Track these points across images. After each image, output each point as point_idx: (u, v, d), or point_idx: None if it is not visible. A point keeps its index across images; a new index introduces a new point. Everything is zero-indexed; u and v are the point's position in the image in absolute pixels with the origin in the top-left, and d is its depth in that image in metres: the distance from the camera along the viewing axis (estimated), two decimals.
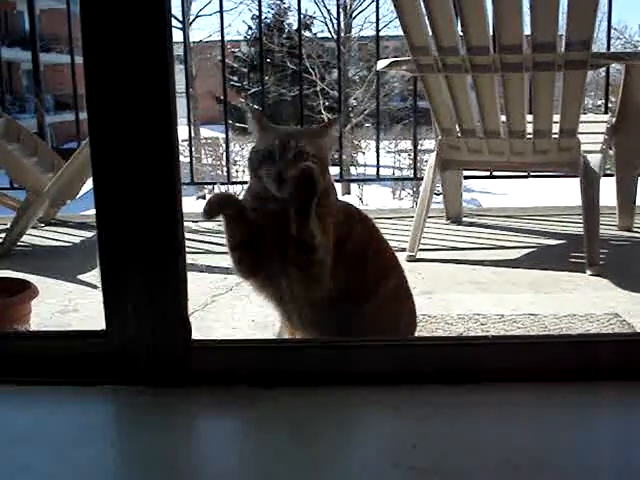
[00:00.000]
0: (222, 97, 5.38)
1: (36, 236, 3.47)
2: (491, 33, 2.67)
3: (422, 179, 3.12)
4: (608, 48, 4.18)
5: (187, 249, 1.32)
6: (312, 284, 1.58)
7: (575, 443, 1.14)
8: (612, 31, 4.14)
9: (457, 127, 2.95)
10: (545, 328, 2.09)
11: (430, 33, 2.74)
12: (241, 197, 1.65)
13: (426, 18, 2.70)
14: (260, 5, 13.58)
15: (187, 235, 1.35)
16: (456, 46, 2.71)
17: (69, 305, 2.42)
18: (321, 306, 1.61)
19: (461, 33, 2.69)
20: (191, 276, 1.33)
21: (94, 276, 2.63)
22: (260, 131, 1.61)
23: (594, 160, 2.77)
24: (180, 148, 1.31)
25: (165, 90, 1.21)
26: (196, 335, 1.33)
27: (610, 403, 1.26)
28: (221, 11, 4.38)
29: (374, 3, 6.75)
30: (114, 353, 1.30)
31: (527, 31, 2.63)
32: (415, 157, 4.91)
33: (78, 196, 3.63)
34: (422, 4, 2.68)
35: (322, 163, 1.55)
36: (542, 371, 1.30)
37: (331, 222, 1.57)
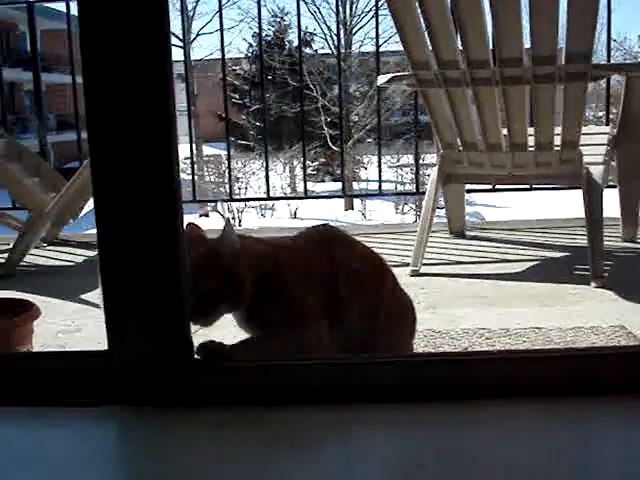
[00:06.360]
0: (224, 115, 5.40)
1: (39, 256, 3.46)
2: (491, 46, 2.68)
3: (424, 193, 3.12)
4: (608, 59, 4.19)
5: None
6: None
7: (580, 458, 1.13)
8: (612, 42, 4.14)
9: (458, 141, 2.94)
10: (550, 341, 2.07)
11: (430, 48, 2.74)
12: None
13: (426, 33, 2.71)
14: (260, 23, 13.64)
15: None
16: (456, 60, 2.72)
17: (72, 325, 2.41)
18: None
19: (461, 47, 2.69)
20: None
21: (97, 295, 2.61)
22: None
23: (596, 172, 2.77)
24: (183, 166, 1.31)
25: (165, 109, 1.21)
26: None
27: (616, 417, 1.25)
28: (221, 29, 4.44)
29: (374, 19, 6.81)
30: (116, 373, 1.29)
31: (527, 44, 2.63)
32: (417, 171, 4.91)
33: (80, 215, 3.63)
34: (422, 19, 2.69)
35: (228, 277, 1.46)
36: (547, 386, 1.29)
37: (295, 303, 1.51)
